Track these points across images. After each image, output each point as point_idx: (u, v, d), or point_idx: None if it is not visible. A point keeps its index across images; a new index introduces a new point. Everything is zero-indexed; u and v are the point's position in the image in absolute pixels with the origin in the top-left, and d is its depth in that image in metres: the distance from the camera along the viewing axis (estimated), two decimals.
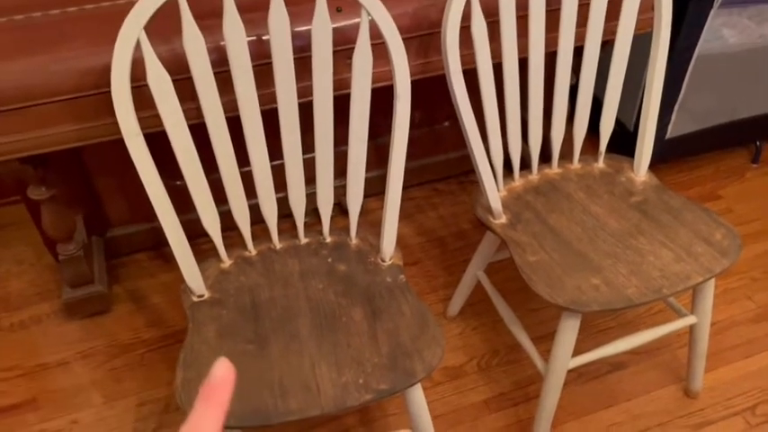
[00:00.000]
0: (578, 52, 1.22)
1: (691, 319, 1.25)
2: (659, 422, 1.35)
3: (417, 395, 1.03)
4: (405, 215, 1.83)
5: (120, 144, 0.97)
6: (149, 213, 1.01)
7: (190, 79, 0.98)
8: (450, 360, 1.48)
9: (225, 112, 1.02)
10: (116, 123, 0.95)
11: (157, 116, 0.97)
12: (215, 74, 0.99)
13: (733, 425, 1.34)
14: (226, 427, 0.90)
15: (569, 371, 1.17)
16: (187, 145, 1.00)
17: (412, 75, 1.09)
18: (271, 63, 1.01)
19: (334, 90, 1.06)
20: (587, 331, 1.53)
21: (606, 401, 1.39)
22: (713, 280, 1.15)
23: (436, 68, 1.26)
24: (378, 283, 1.10)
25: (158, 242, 1.71)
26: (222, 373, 0.35)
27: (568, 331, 1.11)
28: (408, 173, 1.83)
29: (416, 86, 1.19)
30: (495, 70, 1.14)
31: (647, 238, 1.16)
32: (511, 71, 1.16)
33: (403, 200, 1.86)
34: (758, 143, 1.97)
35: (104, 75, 1.04)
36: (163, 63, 0.95)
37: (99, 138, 1.11)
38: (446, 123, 1.83)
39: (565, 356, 1.14)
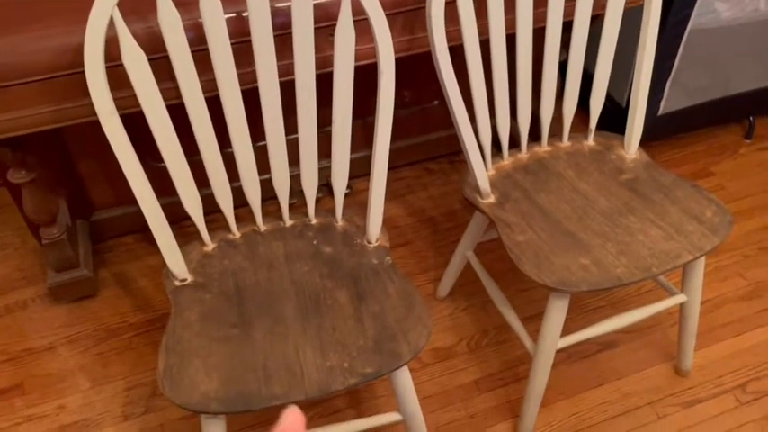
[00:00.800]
0: (567, 27, 1.20)
1: (681, 298, 1.24)
2: (649, 400, 1.35)
3: (404, 377, 1.02)
4: (395, 195, 1.81)
5: (100, 126, 0.94)
6: (134, 196, 0.99)
7: (167, 58, 0.96)
8: (440, 341, 1.47)
9: (204, 92, 0.99)
10: (92, 104, 0.92)
11: (135, 96, 0.95)
12: (193, 52, 0.96)
13: (723, 402, 1.34)
14: (207, 412, 0.89)
15: (559, 350, 1.16)
16: (165, 125, 0.98)
17: (397, 52, 1.07)
18: (250, 41, 0.98)
19: (317, 68, 1.03)
20: (577, 311, 1.52)
21: (596, 380, 1.39)
22: (703, 258, 1.14)
23: (422, 45, 1.23)
24: (364, 265, 1.08)
25: (144, 225, 1.65)
26: (292, 418, 0.36)
27: (557, 311, 1.10)
28: (398, 152, 1.82)
29: (404, 65, 1.16)
30: (483, 47, 1.11)
31: (636, 216, 1.14)
32: (498, 47, 1.13)
33: (393, 180, 1.85)
34: (751, 119, 1.95)
35: (80, 54, 1.01)
36: (138, 41, 0.92)
37: (76, 119, 1.08)
38: (435, 102, 1.80)
39: (553, 336, 1.13)
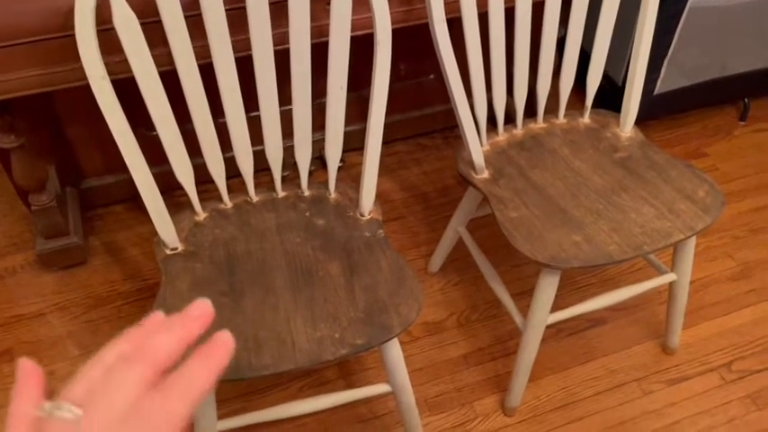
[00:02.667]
0: (566, 3, 1.18)
1: (670, 276, 1.25)
2: (636, 377, 1.36)
3: (394, 350, 1.02)
4: (388, 170, 1.80)
5: (91, 92, 0.93)
6: (125, 164, 0.97)
7: (159, 23, 0.94)
8: (430, 315, 1.48)
9: (197, 58, 0.97)
10: (83, 68, 0.91)
11: (126, 61, 0.93)
12: (186, 17, 0.94)
13: (709, 380, 1.36)
14: None
15: (548, 326, 1.17)
16: (157, 91, 0.96)
17: (394, 23, 1.05)
18: (245, 7, 0.96)
19: (313, 37, 1.02)
20: (568, 287, 1.53)
21: (584, 356, 1.40)
22: (694, 237, 1.14)
23: (420, 17, 1.22)
24: (356, 237, 1.08)
25: (135, 194, 1.64)
26: (201, 310, 0.37)
27: (548, 287, 1.10)
28: (392, 127, 1.81)
29: (401, 37, 1.15)
30: (481, 21, 1.10)
31: (629, 194, 1.14)
32: (497, 21, 1.12)
33: (386, 154, 1.84)
34: (746, 100, 1.95)
35: (71, 16, 0.98)
36: (130, 4, 0.90)
37: (65, 83, 1.06)
38: (431, 76, 1.79)
39: (543, 312, 1.14)
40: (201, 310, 0.37)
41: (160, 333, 0.34)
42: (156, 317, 0.37)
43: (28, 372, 0.35)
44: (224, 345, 0.36)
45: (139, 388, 0.32)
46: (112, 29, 0.91)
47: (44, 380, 0.35)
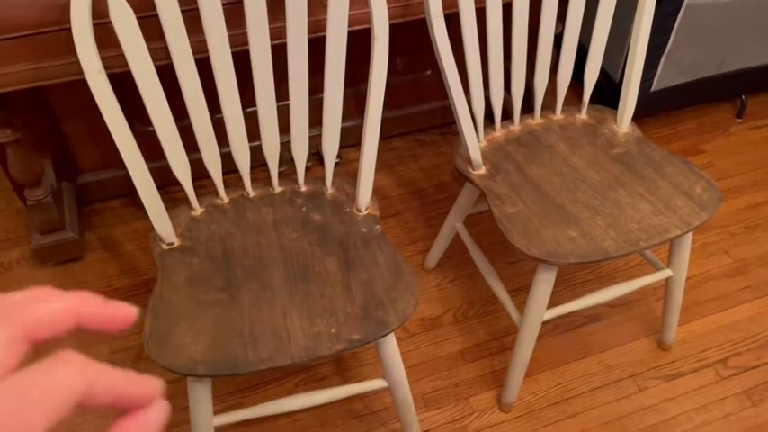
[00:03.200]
0: None
1: (667, 273, 1.25)
2: (632, 373, 1.37)
3: (391, 345, 1.02)
4: (385, 166, 1.80)
5: (87, 87, 0.92)
6: (121, 160, 0.97)
7: (156, 17, 0.93)
8: (427, 311, 1.48)
9: (194, 53, 0.97)
10: (78, 62, 0.90)
11: (122, 56, 0.92)
12: (183, 12, 0.94)
13: (704, 376, 1.36)
14: (194, 375, 0.89)
15: (545, 322, 1.17)
16: (154, 86, 0.96)
17: (392, 18, 1.05)
18: (242, 2, 0.96)
19: (310, 32, 1.01)
20: (564, 284, 1.53)
21: (580, 352, 1.40)
22: (691, 234, 1.14)
23: (417, 12, 1.21)
24: (353, 233, 1.08)
25: (131, 190, 1.64)
26: (123, 311, 0.30)
27: (544, 283, 1.10)
28: (390, 123, 1.80)
29: (398, 32, 1.14)
30: (478, 16, 1.09)
31: (626, 190, 1.14)
32: (494, 17, 1.12)
33: (384, 150, 1.84)
34: (743, 97, 1.95)
35: (67, 10, 0.98)
36: None
37: (60, 78, 1.06)
38: (429, 72, 1.78)
39: (540, 308, 1.14)
40: (123, 311, 0.30)
41: (47, 296, 0.27)
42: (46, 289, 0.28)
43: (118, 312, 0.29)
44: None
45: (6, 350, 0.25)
46: (108, 23, 0.91)
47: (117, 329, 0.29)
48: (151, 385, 0.30)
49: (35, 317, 0.27)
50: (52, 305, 0.27)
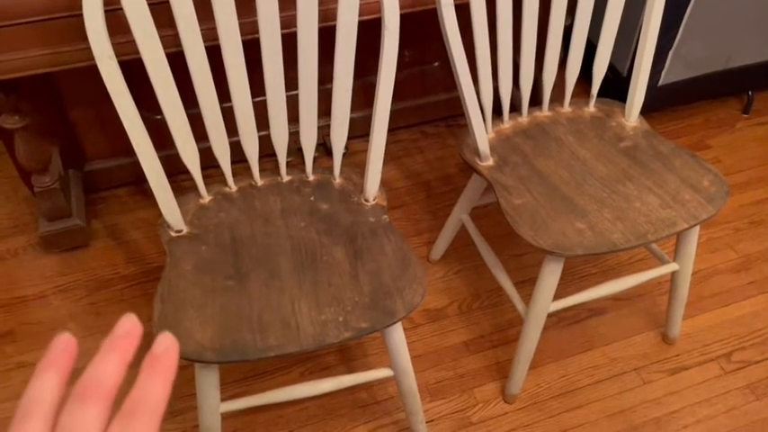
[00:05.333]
0: None
1: (673, 266, 1.25)
2: (636, 366, 1.37)
3: (397, 334, 1.03)
4: (391, 158, 1.80)
5: (96, 74, 0.92)
6: (129, 148, 0.97)
7: (167, 3, 0.93)
8: (432, 302, 1.48)
9: (204, 40, 0.97)
10: (90, 48, 0.90)
11: (133, 42, 0.92)
12: None
13: (708, 370, 1.36)
14: (202, 360, 0.90)
15: (549, 315, 1.17)
16: (164, 73, 0.96)
17: (402, 7, 1.05)
18: None
19: (320, 21, 1.01)
20: (569, 277, 1.53)
21: (585, 345, 1.41)
22: (698, 227, 1.14)
23: (427, 2, 1.21)
24: (360, 222, 1.08)
25: (138, 178, 1.67)
26: (128, 326, 0.34)
27: (550, 275, 1.11)
28: (396, 114, 1.80)
29: (407, 23, 1.14)
30: (488, 7, 1.09)
31: (634, 183, 1.14)
32: (504, 8, 1.11)
33: (390, 142, 1.84)
34: (750, 93, 1.95)
35: None
36: None
37: (71, 63, 1.06)
38: (436, 64, 1.78)
39: (545, 300, 1.14)
40: (128, 326, 0.34)
41: (98, 362, 0.32)
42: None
43: (62, 347, 0.33)
44: (168, 351, 0.34)
45: (102, 425, 0.31)
46: (119, 9, 0.91)
47: (75, 359, 0.33)
48: (128, 327, 0.34)
49: (109, 385, 0.32)
50: (109, 365, 0.32)
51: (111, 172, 1.65)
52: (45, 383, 0.32)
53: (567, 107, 1.30)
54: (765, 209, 1.69)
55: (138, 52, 0.93)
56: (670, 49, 1.71)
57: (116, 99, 0.93)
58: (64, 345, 0.33)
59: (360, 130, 1.55)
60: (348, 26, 1.01)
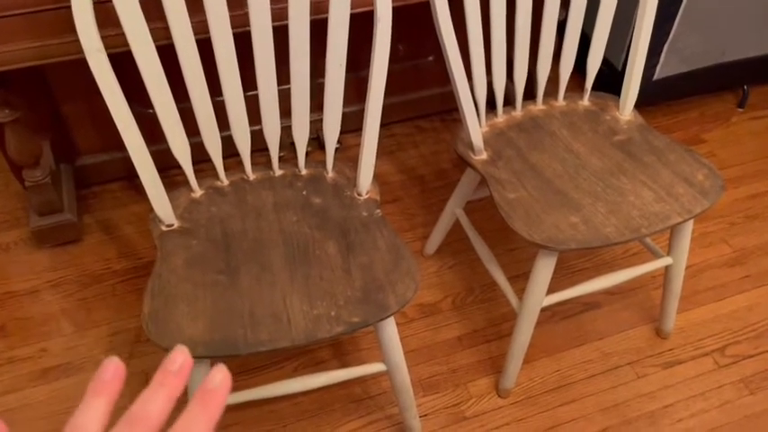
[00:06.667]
0: None
1: (666, 261, 1.25)
2: (629, 360, 1.37)
3: (390, 329, 1.02)
4: (385, 152, 1.79)
5: (87, 68, 0.91)
6: (120, 142, 0.96)
7: None
8: (426, 297, 1.48)
9: (195, 33, 0.96)
10: (78, 41, 0.89)
11: (122, 35, 0.91)
12: None
13: (702, 365, 1.36)
14: (195, 356, 0.89)
15: (543, 309, 1.17)
16: (154, 65, 0.95)
17: (395, 0, 1.04)
18: None
19: (312, 13, 1.00)
20: (563, 272, 1.53)
21: (578, 340, 1.41)
22: (691, 221, 1.14)
23: None
24: (353, 217, 1.08)
25: (130, 173, 1.65)
26: (113, 369, 0.34)
27: (544, 269, 1.10)
28: (390, 109, 1.79)
29: (400, 17, 1.13)
30: (482, 0, 1.09)
31: (628, 177, 1.14)
32: (498, 0, 1.11)
33: (384, 136, 1.83)
34: (745, 87, 1.94)
35: None
36: None
37: (60, 56, 1.05)
38: (430, 58, 1.77)
39: (539, 294, 1.14)
40: (181, 361, 0.35)
41: (148, 399, 0.33)
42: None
43: (111, 373, 0.33)
44: (220, 389, 0.34)
45: None
46: (108, 1, 0.90)
47: (123, 385, 0.34)
48: (180, 363, 0.35)
49: (157, 421, 0.33)
50: (158, 401, 0.33)
51: (103, 166, 1.64)
52: (92, 411, 0.32)
53: (561, 101, 1.30)
54: (760, 203, 1.69)
55: (128, 45, 0.92)
56: (665, 42, 1.70)
57: (105, 92, 0.92)
58: (113, 370, 0.34)
59: (352, 124, 1.54)
60: (340, 18, 1.00)
